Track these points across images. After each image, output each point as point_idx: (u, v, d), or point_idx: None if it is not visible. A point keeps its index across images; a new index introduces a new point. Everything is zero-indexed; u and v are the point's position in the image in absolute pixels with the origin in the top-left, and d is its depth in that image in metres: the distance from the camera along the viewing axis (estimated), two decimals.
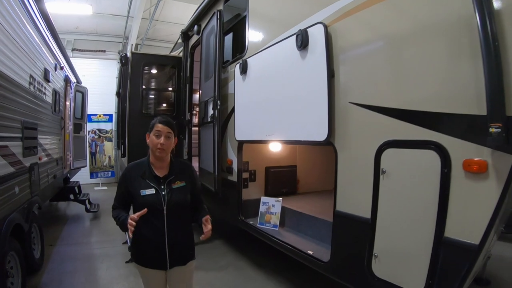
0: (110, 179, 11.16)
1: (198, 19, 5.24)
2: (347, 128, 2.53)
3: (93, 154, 10.76)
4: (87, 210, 7.10)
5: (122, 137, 5.92)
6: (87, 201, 7.33)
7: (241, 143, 4.10)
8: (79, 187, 7.70)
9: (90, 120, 10.69)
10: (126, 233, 5.19)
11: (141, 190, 2.09)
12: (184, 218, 2.23)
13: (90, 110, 10.04)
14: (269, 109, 3.37)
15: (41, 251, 4.43)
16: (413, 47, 2.09)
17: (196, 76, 5.71)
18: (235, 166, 4.22)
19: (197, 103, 5.51)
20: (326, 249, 2.98)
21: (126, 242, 5.11)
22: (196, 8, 5.32)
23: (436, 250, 1.94)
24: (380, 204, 2.26)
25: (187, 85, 5.82)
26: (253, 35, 3.86)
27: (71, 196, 7.18)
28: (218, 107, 4.00)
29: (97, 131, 10.89)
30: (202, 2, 4.93)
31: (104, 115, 10.93)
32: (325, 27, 2.61)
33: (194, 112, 6.46)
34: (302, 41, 2.77)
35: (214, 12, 4.24)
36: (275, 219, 3.85)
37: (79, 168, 8.44)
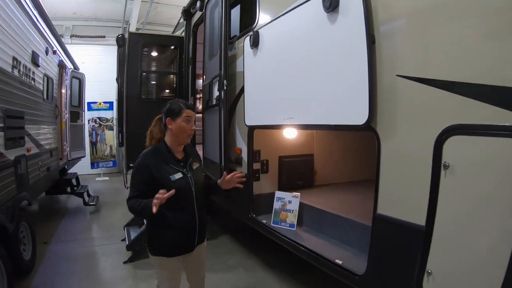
0: (111, 169, 10.89)
1: None
2: (394, 108, 1.97)
3: (93, 144, 10.41)
4: (86, 204, 6.71)
5: (119, 125, 5.48)
6: (85, 194, 6.95)
7: (251, 129, 3.55)
8: (77, 178, 7.34)
9: (90, 108, 10.37)
10: (125, 229, 5.06)
11: (170, 176, 2.09)
12: (203, 197, 2.32)
13: (89, 98, 9.87)
14: (288, 88, 2.82)
15: (32, 251, 4.08)
16: None
17: (199, 60, 5.20)
18: (244, 155, 3.69)
19: (201, 88, 5.06)
20: (358, 257, 2.52)
21: (125, 239, 4.74)
22: None
23: None
24: (440, 208, 1.73)
25: (190, 67, 5.29)
26: (265, 1, 3.30)
27: (68, 189, 6.80)
28: (225, 88, 3.46)
29: (98, 120, 10.51)
30: None
31: (104, 102, 10.52)
32: None
33: (198, 96, 5.97)
34: (331, 0, 2.21)
35: None
36: (292, 218, 3.32)
37: (78, 159, 8.07)
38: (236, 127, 3.88)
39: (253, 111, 3.43)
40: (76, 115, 7.79)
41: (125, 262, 4.16)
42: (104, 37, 11.63)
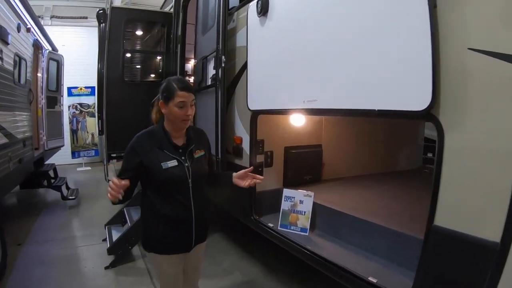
0: (94, 158, 10.22)
1: None
2: (464, 92, 1.48)
3: (74, 132, 9.70)
4: (64, 198, 6.10)
5: (99, 111, 4.91)
6: (64, 187, 6.35)
7: (255, 115, 3.01)
8: (55, 170, 6.73)
9: (71, 94, 9.67)
10: (107, 228, 4.55)
11: (161, 163, 1.82)
12: (204, 190, 2.04)
13: (70, 82, 9.26)
14: (310, 63, 2.28)
15: (2, 255, 3.57)
16: None
17: (188, 43, 4.69)
18: (246, 145, 3.16)
19: (189, 73, 4.54)
20: (394, 272, 2.09)
21: (106, 239, 4.23)
22: None
23: None
24: None
25: (179, 46, 4.70)
26: None
27: (45, 182, 6.18)
28: (223, 65, 2.90)
29: (78, 106, 9.78)
30: None
31: (85, 87, 9.80)
32: None
33: (188, 78, 5.42)
34: None
35: None
36: (304, 221, 2.81)
37: (56, 148, 7.42)
38: (235, 112, 3.33)
39: (259, 93, 2.89)
40: (53, 101, 7.10)
41: (106, 268, 3.66)
42: (86, 18, 10.77)
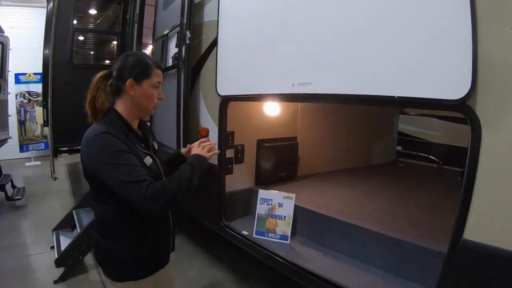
0: (44, 152, 9.31)
1: None
2: (508, 80, 1.18)
3: (22, 123, 8.82)
4: (9, 198, 5.42)
5: (43, 99, 4.33)
6: (9, 186, 5.64)
7: (226, 101, 2.56)
8: None
9: (18, 81, 8.77)
10: (54, 233, 4.01)
11: (143, 160, 1.44)
12: None
13: (18, 68, 8.38)
14: (304, 36, 1.88)
15: None
16: None
17: (146, 27, 4.21)
18: (213, 138, 2.69)
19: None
20: (394, 286, 1.81)
21: (53, 247, 3.68)
22: None
23: None
24: None
25: (136, 25, 4.18)
26: None
27: None
28: (188, 41, 2.44)
29: (27, 94, 8.88)
30: None
31: (35, 74, 8.90)
32: None
33: None
34: None
35: None
36: (285, 227, 2.43)
37: (2, 142, 6.66)
38: (200, 98, 2.88)
39: (232, 75, 2.46)
40: None
41: (56, 282, 3.17)
42: None
